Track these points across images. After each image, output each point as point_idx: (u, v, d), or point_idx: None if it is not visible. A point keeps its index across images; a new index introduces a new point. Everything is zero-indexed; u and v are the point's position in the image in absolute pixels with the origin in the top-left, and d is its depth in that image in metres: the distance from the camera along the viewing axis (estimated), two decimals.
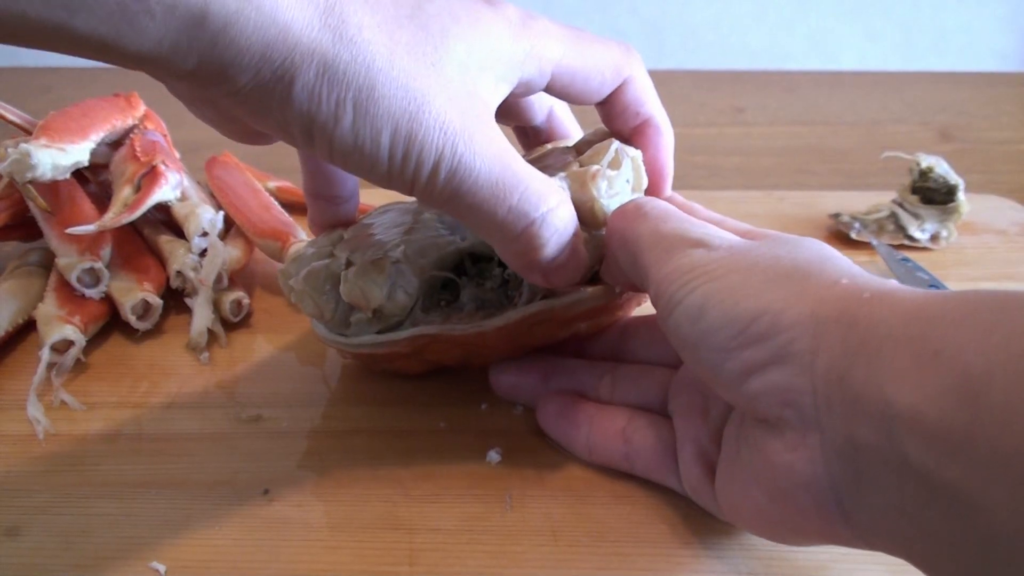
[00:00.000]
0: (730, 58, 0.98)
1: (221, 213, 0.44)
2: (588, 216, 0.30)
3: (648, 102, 0.32)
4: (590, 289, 0.31)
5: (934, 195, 0.50)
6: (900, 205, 0.51)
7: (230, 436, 0.34)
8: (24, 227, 0.44)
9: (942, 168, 0.50)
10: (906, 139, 0.69)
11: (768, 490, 0.25)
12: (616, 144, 0.31)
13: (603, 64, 0.30)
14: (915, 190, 0.51)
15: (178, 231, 0.44)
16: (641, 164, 0.32)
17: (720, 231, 0.28)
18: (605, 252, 0.31)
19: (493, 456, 0.33)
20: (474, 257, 0.33)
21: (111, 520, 0.30)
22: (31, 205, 0.42)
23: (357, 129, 0.24)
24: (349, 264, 0.32)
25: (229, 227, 0.45)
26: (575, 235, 0.29)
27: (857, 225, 0.50)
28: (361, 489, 0.32)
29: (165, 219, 0.45)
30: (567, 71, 0.29)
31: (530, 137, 0.37)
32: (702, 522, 0.30)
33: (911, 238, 0.49)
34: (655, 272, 0.27)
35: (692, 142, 0.68)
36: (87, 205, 0.43)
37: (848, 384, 0.22)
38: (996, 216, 0.54)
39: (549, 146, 0.35)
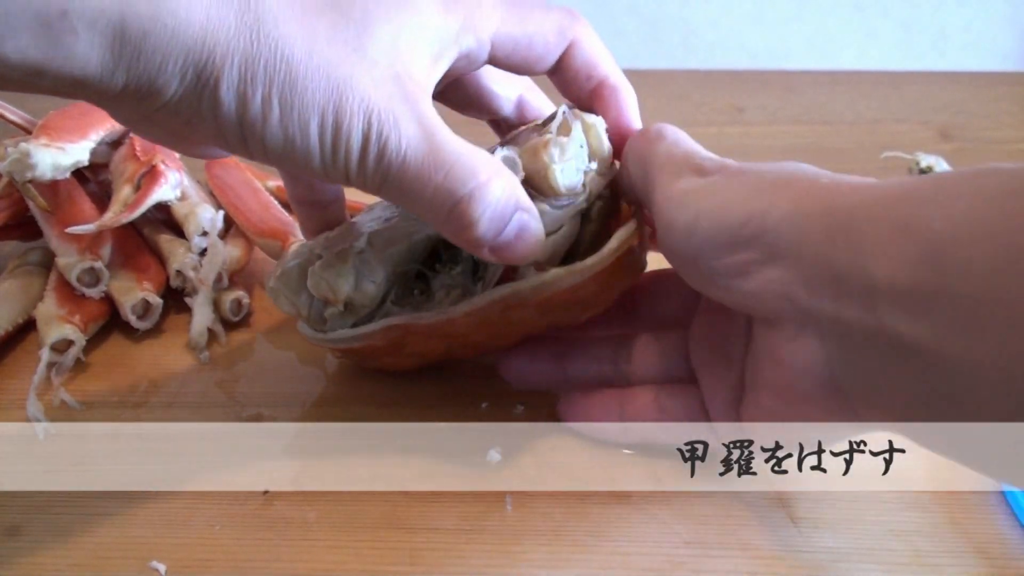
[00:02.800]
0: (730, 57, 0.98)
1: (221, 212, 0.44)
2: (544, 185, 0.29)
3: (600, 63, 0.31)
4: (553, 270, 0.30)
5: None
6: None
7: (230, 436, 0.34)
8: (24, 226, 0.44)
9: (942, 167, 0.50)
10: (906, 138, 0.69)
11: (776, 387, 0.27)
12: (563, 108, 0.31)
13: (545, 28, 0.30)
14: None
15: (178, 230, 0.44)
16: (601, 130, 0.31)
17: (723, 159, 0.29)
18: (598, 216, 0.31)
19: (493, 456, 0.33)
20: (447, 244, 0.32)
21: (111, 520, 0.30)
22: (31, 204, 0.42)
23: (285, 124, 0.24)
24: (319, 258, 0.32)
25: (229, 227, 0.45)
26: (520, 209, 0.28)
27: None
28: (361, 489, 0.32)
29: (165, 218, 0.45)
30: (508, 38, 0.29)
31: (504, 130, 0.36)
32: (702, 522, 0.30)
33: None
34: (658, 195, 0.28)
35: None
36: (87, 204, 0.43)
37: (833, 267, 0.23)
38: None
39: (524, 127, 0.34)
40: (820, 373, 0.25)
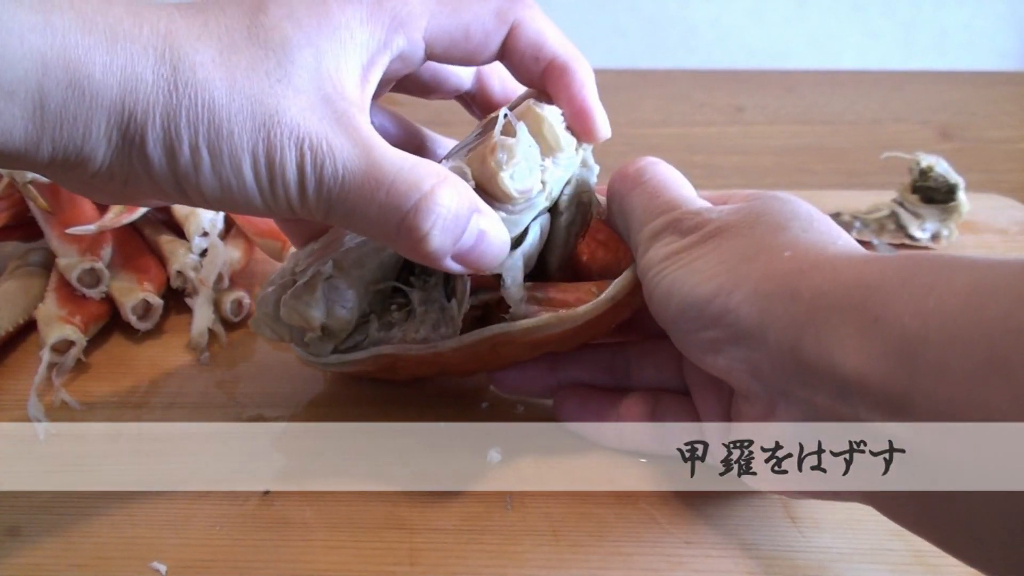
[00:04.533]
0: (730, 57, 0.98)
1: (221, 213, 0.44)
2: (497, 192, 0.28)
3: (547, 42, 0.29)
4: (545, 316, 0.30)
5: (934, 194, 0.50)
6: (900, 204, 0.51)
7: (230, 436, 0.34)
8: (25, 227, 0.44)
9: (942, 167, 0.50)
10: (906, 138, 0.69)
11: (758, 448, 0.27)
12: (503, 111, 0.29)
13: (481, 14, 0.28)
14: (915, 189, 0.51)
15: (179, 231, 0.44)
16: (554, 121, 0.29)
17: (706, 204, 0.29)
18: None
19: (493, 456, 0.33)
20: None
21: (111, 520, 0.30)
22: (32, 205, 0.42)
23: (218, 170, 0.24)
24: (294, 284, 0.32)
25: (229, 227, 0.45)
26: (476, 213, 0.26)
27: (858, 224, 0.50)
28: (361, 489, 0.32)
29: (166, 219, 0.45)
30: (442, 32, 0.27)
31: (477, 106, 0.35)
32: (702, 522, 0.30)
33: (912, 237, 0.49)
34: (640, 257, 0.29)
35: (691, 141, 0.68)
36: (88, 205, 0.43)
37: (799, 354, 0.23)
38: (996, 215, 0.53)
39: (492, 114, 0.32)
40: (796, 446, 0.25)
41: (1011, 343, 0.18)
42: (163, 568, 0.28)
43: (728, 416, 0.29)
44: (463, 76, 0.33)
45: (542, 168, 0.29)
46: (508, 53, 0.29)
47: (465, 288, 0.31)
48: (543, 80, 0.30)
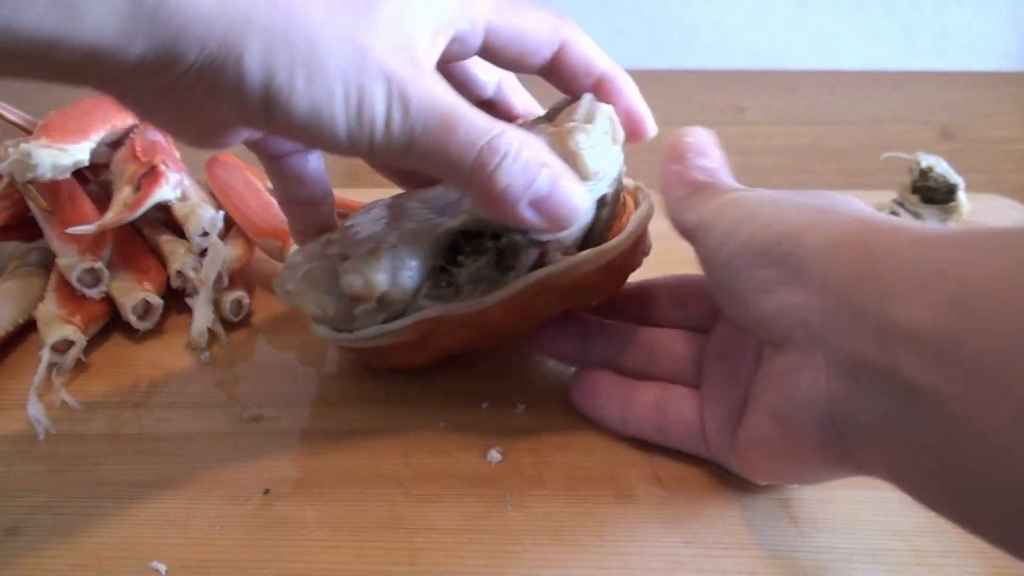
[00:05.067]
0: (731, 57, 0.98)
1: (221, 213, 0.44)
2: (577, 169, 0.30)
3: (597, 59, 0.32)
4: (583, 252, 0.31)
5: (934, 194, 0.50)
6: (901, 204, 0.51)
7: (230, 436, 0.34)
8: (24, 227, 0.44)
9: (942, 167, 0.50)
10: (906, 138, 0.69)
11: (774, 415, 0.26)
12: (589, 97, 0.32)
13: (538, 25, 0.30)
14: (915, 189, 0.51)
15: (179, 231, 0.44)
16: (615, 117, 0.32)
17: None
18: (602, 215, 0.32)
19: (493, 456, 0.33)
20: (467, 235, 0.33)
21: (111, 520, 0.30)
22: (31, 205, 0.42)
23: (312, 93, 0.24)
24: (344, 258, 0.32)
25: (229, 227, 0.45)
26: (546, 165, 0.28)
27: None
28: (361, 489, 0.32)
29: (165, 219, 0.45)
30: (502, 30, 0.29)
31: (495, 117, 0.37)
32: (702, 522, 0.30)
33: None
34: (702, 207, 0.30)
35: None
36: (87, 205, 0.43)
37: (855, 304, 0.23)
38: (996, 215, 0.53)
39: (519, 121, 0.35)
40: (820, 410, 0.25)
41: None
42: (163, 568, 0.28)
43: (736, 415, 0.29)
44: (487, 85, 0.35)
45: (608, 156, 0.31)
46: (559, 66, 0.31)
47: (529, 260, 0.31)
48: (594, 91, 0.32)
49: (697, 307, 0.34)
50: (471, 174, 0.27)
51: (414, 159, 0.27)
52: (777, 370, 0.26)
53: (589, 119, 0.31)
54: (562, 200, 0.28)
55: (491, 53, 0.30)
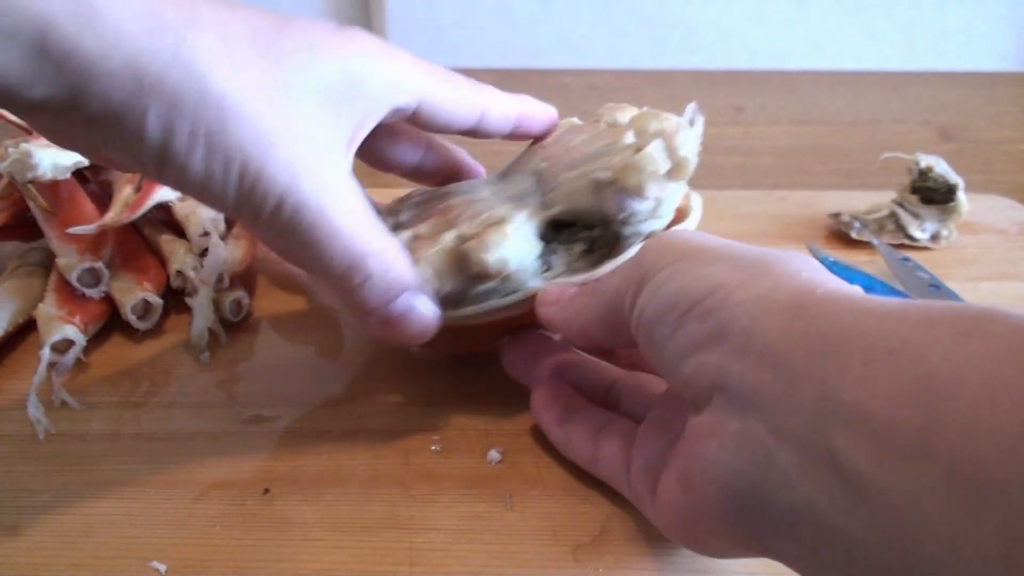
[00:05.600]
0: (730, 58, 0.98)
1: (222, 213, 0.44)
2: (641, 188, 0.32)
3: (511, 110, 0.34)
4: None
5: (934, 195, 0.50)
6: (900, 205, 0.51)
7: (230, 436, 0.34)
8: (24, 227, 0.44)
9: (941, 168, 0.50)
10: (906, 139, 0.69)
11: (679, 478, 0.25)
12: (693, 106, 0.34)
13: (464, 96, 0.32)
14: (915, 190, 0.51)
15: (179, 231, 0.44)
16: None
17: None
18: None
19: (493, 456, 0.33)
20: (556, 225, 0.33)
21: (111, 520, 0.30)
22: (31, 205, 0.42)
23: (208, 162, 0.25)
24: (467, 239, 0.32)
25: (230, 227, 0.45)
26: (409, 291, 0.30)
27: (857, 224, 0.50)
28: (361, 489, 0.32)
29: (166, 219, 0.45)
30: (433, 103, 0.31)
31: (427, 178, 0.38)
32: None
33: (911, 238, 0.50)
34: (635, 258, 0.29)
35: None
36: (88, 205, 0.43)
37: (783, 373, 0.21)
38: (996, 215, 0.54)
39: (561, 130, 0.36)
40: (724, 482, 0.22)
41: None
42: (163, 568, 0.28)
43: (658, 464, 0.28)
44: (415, 153, 0.37)
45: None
46: (482, 131, 0.34)
47: (627, 244, 0.33)
48: (514, 135, 0.35)
49: None
50: (337, 281, 0.29)
51: (290, 245, 0.28)
52: (691, 432, 0.24)
53: (691, 124, 0.33)
54: (413, 321, 0.30)
55: (421, 121, 0.32)
